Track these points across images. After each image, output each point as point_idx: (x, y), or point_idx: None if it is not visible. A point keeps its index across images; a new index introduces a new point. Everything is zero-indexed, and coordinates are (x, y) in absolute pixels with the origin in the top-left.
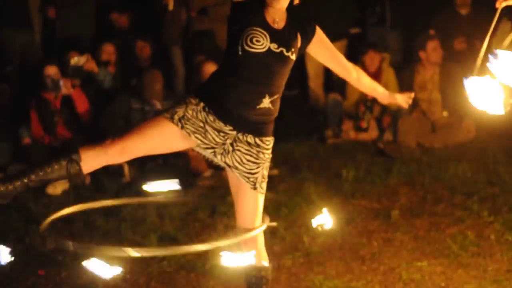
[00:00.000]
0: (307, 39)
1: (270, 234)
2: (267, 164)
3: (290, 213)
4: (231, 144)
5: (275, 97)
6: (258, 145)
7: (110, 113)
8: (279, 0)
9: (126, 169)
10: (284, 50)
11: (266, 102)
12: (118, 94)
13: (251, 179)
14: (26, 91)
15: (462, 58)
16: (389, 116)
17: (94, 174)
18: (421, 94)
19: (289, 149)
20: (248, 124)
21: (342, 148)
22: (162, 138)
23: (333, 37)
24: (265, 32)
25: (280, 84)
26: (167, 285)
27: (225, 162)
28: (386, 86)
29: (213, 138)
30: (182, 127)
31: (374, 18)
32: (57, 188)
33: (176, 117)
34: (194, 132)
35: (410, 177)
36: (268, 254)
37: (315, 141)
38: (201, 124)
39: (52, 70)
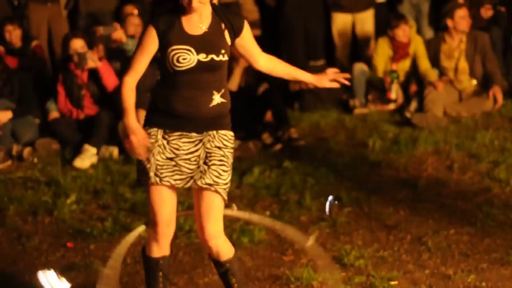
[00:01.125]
0: (234, 36)
1: (296, 204)
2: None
3: (317, 184)
4: (205, 163)
5: (223, 90)
6: (221, 141)
7: (136, 86)
8: (197, 9)
9: None
10: (214, 56)
11: (217, 99)
12: None
13: (226, 188)
14: (54, 65)
15: (488, 25)
16: (415, 84)
17: (122, 147)
18: (448, 63)
19: (315, 119)
20: (206, 123)
21: (369, 118)
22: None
23: (360, 7)
24: (188, 47)
25: (223, 78)
26: (195, 256)
27: (206, 184)
28: (415, 54)
29: (188, 168)
30: (161, 180)
31: None
32: (85, 162)
33: (151, 174)
34: (171, 177)
35: (437, 147)
36: (295, 225)
37: (341, 111)
38: (173, 163)
39: (78, 44)
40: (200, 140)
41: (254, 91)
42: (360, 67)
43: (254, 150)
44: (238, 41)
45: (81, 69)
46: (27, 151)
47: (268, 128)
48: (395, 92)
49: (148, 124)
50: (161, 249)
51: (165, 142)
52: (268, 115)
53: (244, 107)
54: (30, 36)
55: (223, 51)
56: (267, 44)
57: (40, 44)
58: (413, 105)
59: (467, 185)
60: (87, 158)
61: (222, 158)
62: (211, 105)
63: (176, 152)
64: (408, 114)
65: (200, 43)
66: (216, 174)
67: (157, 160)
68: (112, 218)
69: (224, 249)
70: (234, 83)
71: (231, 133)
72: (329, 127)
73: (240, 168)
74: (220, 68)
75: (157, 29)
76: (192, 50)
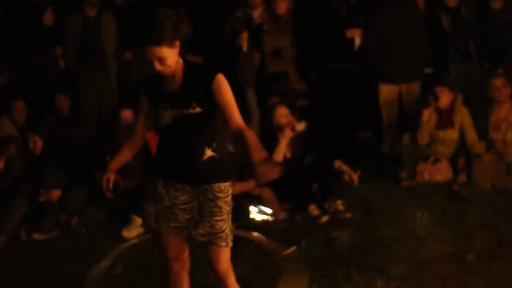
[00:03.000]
0: (206, 87)
1: (342, 278)
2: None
3: (364, 257)
4: (199, 213)
5: (215, 144)
6: (213, 194)
7: None
8: (165, 70)
9: None
10: (184, 110)
11: (208, 153)
12: None
13: (223, 236)
14: (103, 134)
15: None
16: (463, 157)
17: None
18: (496, 135)
19: (363, 191)
20: (199, 176)
21: (416, 190)
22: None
23: (407, 78)
24: (166, 103)
25: (213, 132)
26: None
27: (199, 234)
28: (460, 126)
29: (183, 217)
30: (160, 226)
31: (456, 55)
32: (133, 232)
33: (151, 220)
34: (168, 224)
35: (485, 220)
36: None
37: (389, 183)
38: (170, 211)
39: (127, 114)
40: (195, 192)
41: (300, 162)
42: (408, 138)
43: (301, 222)
44: (214, 93)
45: None
46: (74, 220)
47: (315, 199)
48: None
49: (151, 171)
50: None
51: (164, 191)
52: (315, 187)
53: (290, 178)
54: (79, 105)
55: (194, 104)
56: (314, 114)
57: (89, 113)
58: (461, 177)
59: None
60: (135, 228)
61: (214, 209)
62: (202, 160)
63: (174, 201)
64: (456, 187)
65: (174, 99)
66: (209, 225)
67: (157, 208)
68: None
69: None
70: (279, 154)
71: (225, 184)
72: (377, 199)
73: (286, 240)
74: (200, 121)
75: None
76: (169, 105)
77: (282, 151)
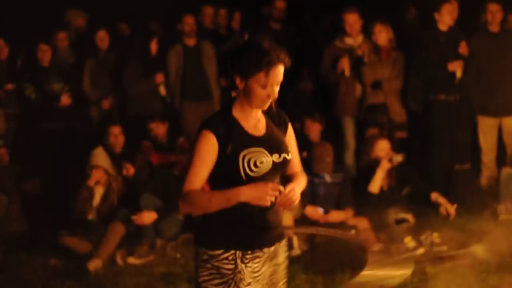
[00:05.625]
0: (284, 132)
1: None
2: None
3: None
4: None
5: None
6: (283, 253)
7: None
8: (263, 105)
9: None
10: (286, 155)
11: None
12: None
13: None
14: None
15: None
16: None
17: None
18: None
19: (460, 224)
20: (277, 231)
21: None
22: None
23: (508, 111)
24: (261, 148)
25: None
26: None
27: None
28: None
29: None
30: None
31: None
32: None
33: None
34: None
35: None
36: None
37: (486, 217)
38: None
39: None
40: (268, 256)
41: (397, 194)
42: (507, 171)
43: (396, 254)
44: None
45: None
46: (170, 246)
47: (410, 232)
48: None
49: (221, 246)
50: None
51: (243, 266)
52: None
53: (387, 209)
54: (182, 132)
55: (288, 148)
56: (413, 146)
57: (187, 140)
58: None
59: None
60: None
61: (283, 272)
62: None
63: (253, 275)
64: None
65: (268, 144)
66: None
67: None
68: None
69: None
70: (376, 185)
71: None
72: (474, 233)
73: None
74: (286, 167)
75: (216, 134)
76: (265, 150)
77: (378, 182)
